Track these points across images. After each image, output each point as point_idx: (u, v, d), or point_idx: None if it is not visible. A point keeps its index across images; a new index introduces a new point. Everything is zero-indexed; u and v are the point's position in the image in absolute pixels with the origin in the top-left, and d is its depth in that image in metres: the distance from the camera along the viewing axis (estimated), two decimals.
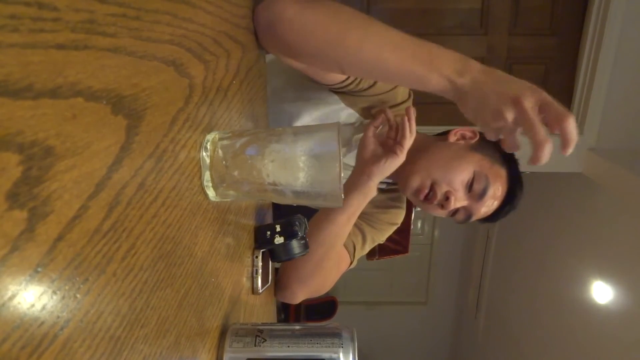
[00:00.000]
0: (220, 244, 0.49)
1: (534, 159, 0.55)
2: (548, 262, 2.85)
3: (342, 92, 0.84)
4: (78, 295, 0.23)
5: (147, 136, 0.31)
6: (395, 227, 0.99)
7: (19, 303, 0.19)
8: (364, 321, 4.35)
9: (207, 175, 0.44)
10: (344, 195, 0.70)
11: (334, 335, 0.48)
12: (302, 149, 0.44)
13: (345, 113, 0.88)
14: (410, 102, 0.91)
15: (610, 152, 2.16)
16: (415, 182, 0.84)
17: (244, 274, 0.61)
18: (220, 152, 0.44)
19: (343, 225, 0.81)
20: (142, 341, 0.31)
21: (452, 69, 0.58)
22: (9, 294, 0.18)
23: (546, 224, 2.90)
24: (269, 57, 0.79)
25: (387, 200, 0.97)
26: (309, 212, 0.76)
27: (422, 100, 0.98)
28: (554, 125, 0.54)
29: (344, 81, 0.78)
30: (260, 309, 0.71)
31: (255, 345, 0.47)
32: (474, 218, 0.87)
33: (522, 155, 0.91)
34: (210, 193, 0.45)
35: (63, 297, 0.22)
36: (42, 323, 0.20)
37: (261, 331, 0.49)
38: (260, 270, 0.65)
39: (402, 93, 0.88)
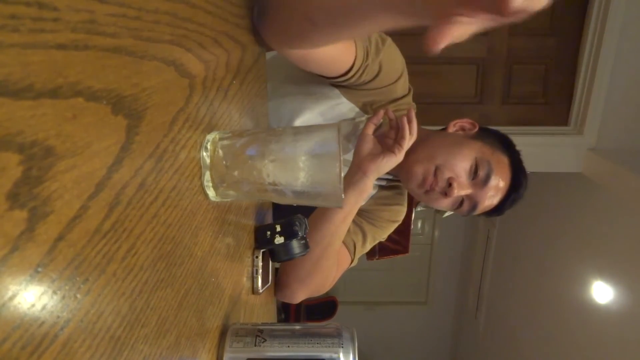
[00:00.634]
0: (220, 244, 0.49)
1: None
2: (548, 262, 2.85)
3: (343, 86, 0.84)
4: (78, 295, 0.23)
5: (147, 136, 0.31)
6: (396, 225, 0.99)
7: (19, 303, 0.19)
8: (364, 321, 4.36)
9: (207, 175, 0.44)
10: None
11: (334, 335, 0.48)
12: (303, 149, 0.44)
13: (346, 107, 0.88)
14: (410, 97, 0.91)
15: (610, 152, 2.16)
16: (418, 170, 0.84)
17: (244, 274, 0.61)
18: (220, 152, 0.44)
19: (340, 223, 0.81)
20: (142, 341, 0.31)
21: None
22: (9, 294, 0.18)
23: (546, 224, 2.90)
24: (269, 54, 0.79)
25: (388, 197, 0.97)
26: (309, 212, 0.76)
27: (422, 100, 0.98)
28: None
29: (345, 74, 0.77)
30: (260, 309, 0.71)
31: (255, 345, 0.47)
32: (480, 208, 0.86)
33: (523, 156, 0.91)
34: (211, 193, 0.45)
35: (63, 297, 0.22)
36: (43, 323, 0.20)
37: (261, 331, 0.49)
38: (260, 270, 0.65)
39: (402, 87, 0.88)
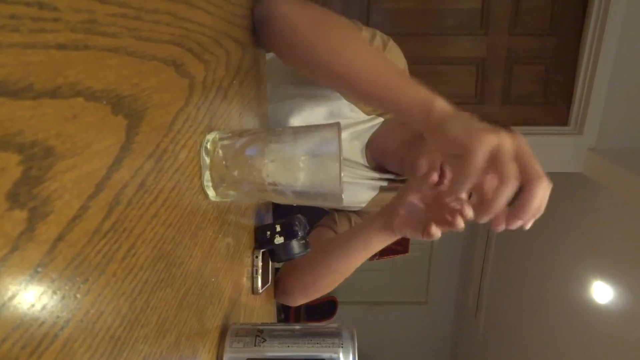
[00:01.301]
0: (220, 244, 0.49)
1: (492, 224, 0.46)
2: (548, 262, 2.85)
3: None
4: (78, 295, 0.23)
5: (147, 136, 0.31)
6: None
7: (19, 303, 0.19)
8: (364, 321, 4.36)
9: (207, 175, 0.44)
10: (371, 234, 0.69)
11: (334, 335, 0.48)
12: (302, 149, 0.44)
13: (347, 108, 0.88)
14: None
15: (610, 152, 2.16)
16: (423, 165, 0.82)
17: (244, 274, 0.61)
18: (220, 152, 0.44)
19: (361, 261, 0.78)
20: (142, 341, 0.31)
21: (428, 92, 0.53)
22: (9, 294, 0.18)
23: (546, 224, 2.89)
24: (270, 54, 0.79)
25: (389, 199, 0.97)
26: (309, 212, 0.76)
27: None
28: (523, 180, 0.44)
29: None
30: (260, 309, 0.71)
31: (255, 345, 0.47)
32: None
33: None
34: (211, 193, 0.45)
35: (63, 297, 0.22)
36: (42, 323, 0.20)
37: (261, 331, 0.49)
38: (260, 270, 0.65)
39: None
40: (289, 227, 0.65)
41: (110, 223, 0.26)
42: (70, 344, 0.22)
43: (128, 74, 0.28)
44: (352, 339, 0.48)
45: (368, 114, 0.89)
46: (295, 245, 0.68)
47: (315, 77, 0.65)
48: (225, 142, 0.45)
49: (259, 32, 0.67)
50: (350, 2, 2.23)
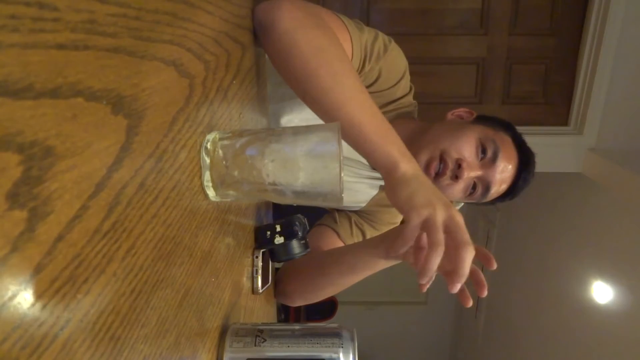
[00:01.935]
0: (220, 244, 0.49)
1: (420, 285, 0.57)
2: (548, 262, 2.85)
3: None
4: (78, 295, 0.23)
5: (147, 136, 0.31)
6: (394, 227, 0.99)
7: (19, 303, 0.19)
8: (364, 321, 4.36)
9: (207, 175, 0.44)
10: (378, 255, 0.71)
11: (334, 335, 0.48)
12: (302, 148, 0.44)
13: None
14: (411, 96, 0.90)
15: (610, 152, 2.16)
16: (424, 156, 0.82)
17: (244, 274, 0.61)
18: (220, 152, 0.44)
19: (365, 277, 0.81)
20: (142, 341, 0.31)
21: (404, 152, 0.59)
22: (9, 294, 0.18)
23: (546, 224, 2.90)
24: None
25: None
26: (309, 212, 0.76)
27: (422, 100, 0.98)
28: (450, 250, 0.53)
29: None
30: (260, 309, 0.71)
31: (255, 345, 0.47)
32: (493, 190, 0.83)
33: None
34: (211, 193, 0.45)
35: (63, 297, 0.22)
36: (42, 323, 0.20)
37: (261, 331, 0.49)
38: (260, 270, 0.65)
39: (402, 88, 0.87)
40: (289, 227, 0.65)
41: (110, 223, 0.26)
42: (70, 344, 0.22)
43: (128, 74, 0.28)
44: (352, 339, 0.48)
45: None
46: (295, 245, 0.68)
47: (301, 99, 0.66)
48: (225, 142, 0.45)
49: (259, 34, 0.66)
50: (350, 2, 2.23)
